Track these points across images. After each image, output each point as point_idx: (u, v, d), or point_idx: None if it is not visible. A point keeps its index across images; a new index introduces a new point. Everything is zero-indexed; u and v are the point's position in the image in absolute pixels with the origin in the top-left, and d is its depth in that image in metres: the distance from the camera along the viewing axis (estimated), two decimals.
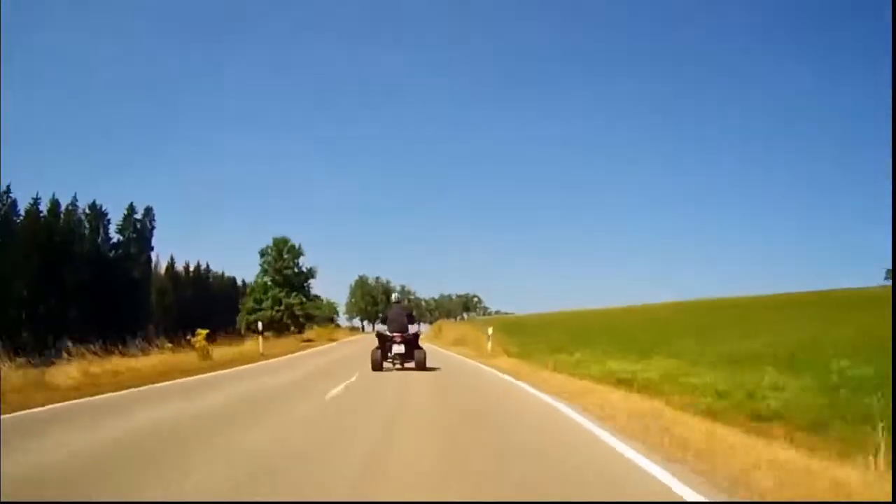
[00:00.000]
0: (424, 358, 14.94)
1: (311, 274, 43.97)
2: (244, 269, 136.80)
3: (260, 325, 22.79)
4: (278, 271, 41.42)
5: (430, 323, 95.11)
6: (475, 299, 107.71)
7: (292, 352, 26.35)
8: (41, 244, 73.41)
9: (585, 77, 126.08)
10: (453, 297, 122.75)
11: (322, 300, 70.26)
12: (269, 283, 40.83)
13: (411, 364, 14.74)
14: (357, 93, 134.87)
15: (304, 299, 40.92)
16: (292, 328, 37.71)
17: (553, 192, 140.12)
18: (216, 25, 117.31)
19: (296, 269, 42.63)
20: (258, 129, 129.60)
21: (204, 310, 69.47)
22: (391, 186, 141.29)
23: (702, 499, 4.03)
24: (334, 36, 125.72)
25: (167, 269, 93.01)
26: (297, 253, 42.52)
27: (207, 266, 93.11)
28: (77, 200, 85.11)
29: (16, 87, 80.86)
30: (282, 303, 39.70)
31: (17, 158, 78.78)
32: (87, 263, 77.34)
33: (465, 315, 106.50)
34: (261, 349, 22.48)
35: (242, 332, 35.94)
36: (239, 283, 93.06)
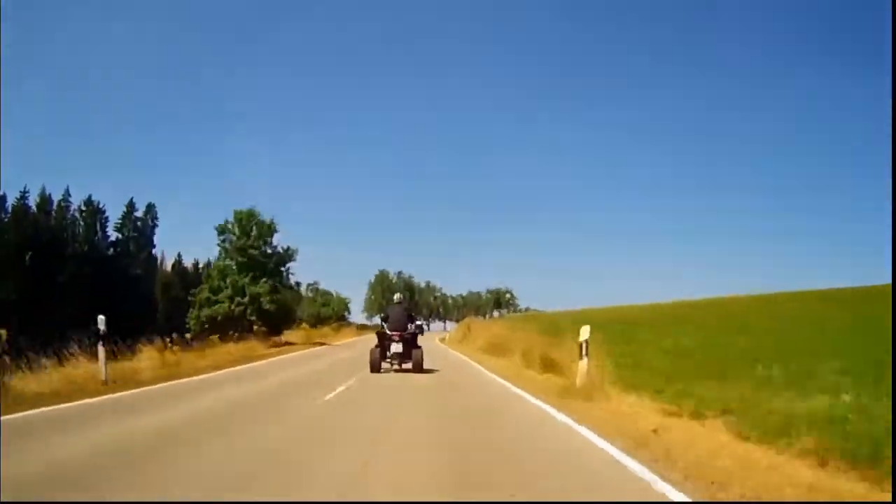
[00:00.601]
0: (422, 357, 14.68)
1: (288, 256, 30.95)
2: None
3: (101, 321, 10.64)
4: (241, 251, 28.95)
5: (457, 321, 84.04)
6: (507, 295, 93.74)
7: (210, 369, 15.00)
8: (31, 241, 65.94)
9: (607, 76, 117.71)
10: (483, 294, 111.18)
11: (332, 295, 59.53)
12: (232, 266, 29.11)
13: (409, 364, 14.46)
14: (376, 87, 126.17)
15: (277, 286, 29.29)
16: (256, 327, 26.24)
17: (574, 187, 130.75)
18: (225, 21, 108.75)
19: (267, 250, 30.14)
20: (274, 127, 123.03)
21: None
22: (414, 183, 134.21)
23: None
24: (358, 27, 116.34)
25: (174, 266, 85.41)
26: (267, 230, 30.02)
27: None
28: (70, 195, 77.08)
29: (11, 76, 72.87)
30: (245, 292, 27.75)
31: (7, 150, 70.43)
32: (82, 264, 69.58)
33: (496, 312, 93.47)
34: (104, 375, 11.00)
35: (191, 334, 24.91)
36: None
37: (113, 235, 78.11)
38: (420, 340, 15.39)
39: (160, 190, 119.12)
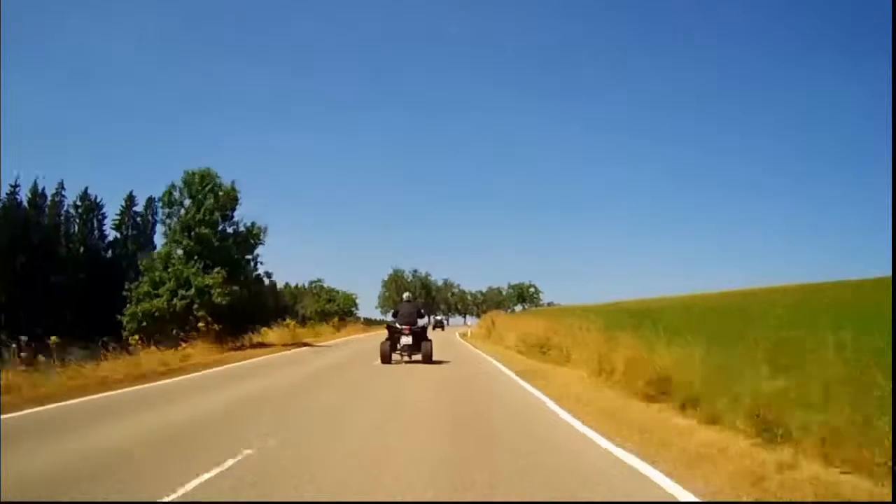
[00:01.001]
0: (431, 349, 14.53)
1: (254, 235, 21.78)
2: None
3: None
4: (188, 231, 20.41)
5: (478, 317, 76.41)
6: (531, 289, 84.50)
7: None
8: (21, 240, 60.82)
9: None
10: (503, 290, 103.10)
11: (338, 292, 52.56)
12: (181, 254, 20.41)
13: (418, 356, 14.42)
14: (395, 84, 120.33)
15: (239, 276, 20.69)
16: (202, 325, 18.10)
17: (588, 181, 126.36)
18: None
19: (227, 229, 21.37)
20: (289, 126, 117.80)
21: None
22: (430, 181, 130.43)
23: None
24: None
25: None
26: (227, 198, 21.20)
27: None
28: (64, 189, 71.76)
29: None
30: (190, 284, 19.21)
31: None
32: (78, 266, 64.20)
33: (517, 307, 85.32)
34: None
35: (125, 337, 18.07)
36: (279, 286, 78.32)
37: (111, 234, 72.90)
38: (439, 336, 15.52)
39: (160, 190, 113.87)
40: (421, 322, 15.02)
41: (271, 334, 23.83)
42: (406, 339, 14.35)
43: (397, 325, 14.63)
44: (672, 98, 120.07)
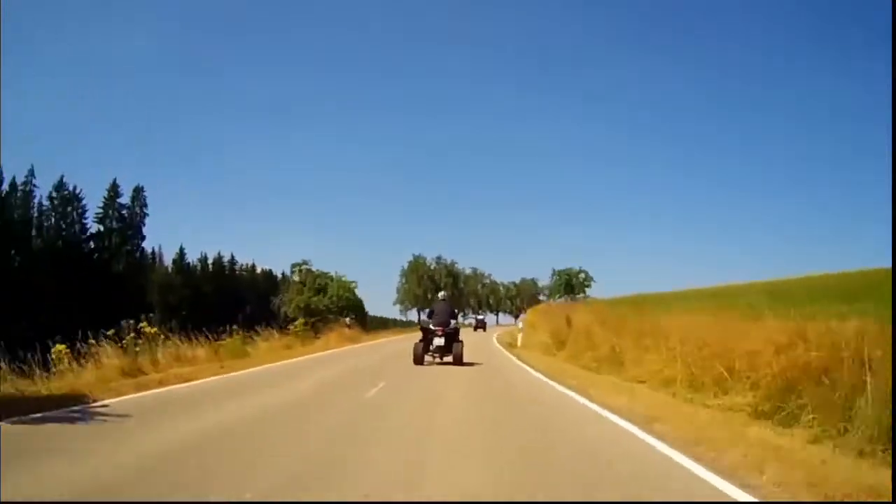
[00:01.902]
0: (462, 351, 14.59)
1: None
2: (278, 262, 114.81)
3: None
4: None
5: (515, 315, 62.15)
6: (581, 275, 66.88)
7: None
8: None
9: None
10: (538, 282, 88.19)
11: (331, 278, 38.44)
12: None
13: (450, 357, 14.43)
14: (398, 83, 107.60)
15: None
16: None
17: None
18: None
19: None
20: (290, 125, 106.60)
21: (228, 307, 50.34)
22: (451, 168, 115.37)
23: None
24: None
25: (175, 261, 71.19)
26: None
27: (232, 257, 68.71)
28: (34, 176, 61.69)
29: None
30: None
31: None
32: (53, 261, 53.84)
33: (559, 300, 68.47)
34: None
35: None
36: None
37: (94, 228, 62.87)
38: (475, 339, 17.22)
39: (160, 190, 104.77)
40: (453, 322, 15.07)
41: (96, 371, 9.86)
42: (439, 341, 14.42)
43: (431, 327, 14.69)
44: (672, 98, 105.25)
